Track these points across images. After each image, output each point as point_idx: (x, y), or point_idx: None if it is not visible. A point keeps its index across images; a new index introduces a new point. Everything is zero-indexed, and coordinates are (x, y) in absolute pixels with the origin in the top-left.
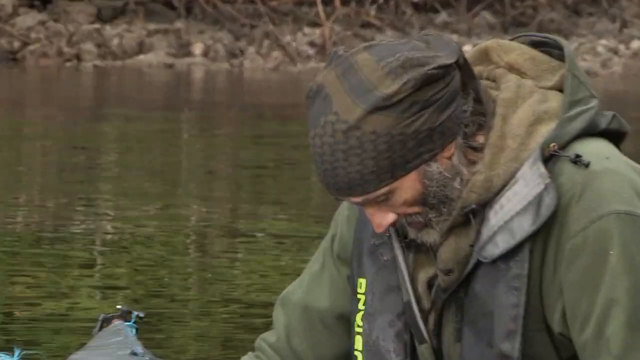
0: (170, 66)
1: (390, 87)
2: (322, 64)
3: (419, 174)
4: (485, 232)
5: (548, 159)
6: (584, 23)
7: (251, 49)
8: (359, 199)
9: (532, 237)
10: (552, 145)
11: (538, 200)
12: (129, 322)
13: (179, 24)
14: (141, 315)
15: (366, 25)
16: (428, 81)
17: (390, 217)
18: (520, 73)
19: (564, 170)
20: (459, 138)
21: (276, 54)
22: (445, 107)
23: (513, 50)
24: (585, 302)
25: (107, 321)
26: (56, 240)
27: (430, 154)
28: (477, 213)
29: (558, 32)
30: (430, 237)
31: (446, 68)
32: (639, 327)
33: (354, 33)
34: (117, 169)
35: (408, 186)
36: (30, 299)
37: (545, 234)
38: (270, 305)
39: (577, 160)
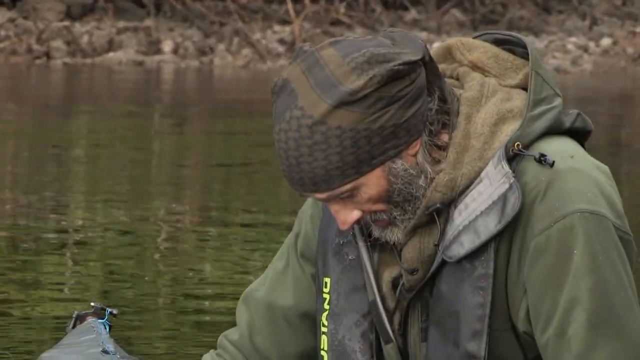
0: (140, 64)
1: (355, 83)
2: None
3: (384, 170)
4: (450, 232)
5: (512, 158)
6: (553, 21)
7: (221, 47)
8: (323, 195)
9: (497, 237)
10: (516, 144)
11: (503, 199)
12: (102, 319)
13: (149, 22)
14: (115, 312)
15: (336, 22)
16: (394, 77)
17: (355, 215)
18: (484, 71)
19: (528, 169)
20: (424, 135)
21: (246, 51)
22: (411, 104)
23: (476, 48)
24: (548, 301)
25: (80, 318)
26: (27, 237)
27: (395, 150)
28: (441, 212)
29: (528, 29)
30: (394, 235)
31: (412, 65)
32: (601, 327)
33: (324, 30)
34: (87, 167)
35: (373, 182)
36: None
37: (510, 233)
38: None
39: (541, 159)
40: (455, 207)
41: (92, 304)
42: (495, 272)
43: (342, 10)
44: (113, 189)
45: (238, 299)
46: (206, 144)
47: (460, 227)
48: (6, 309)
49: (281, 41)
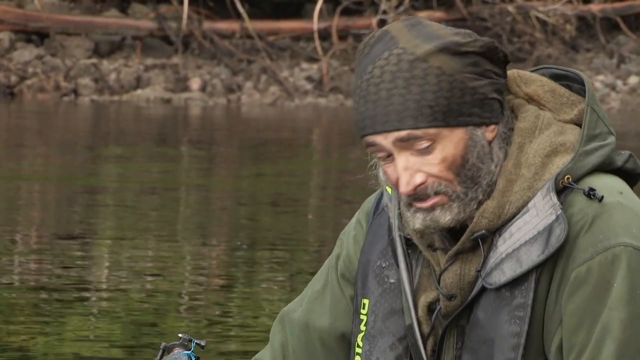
0: (167, 101)
1: (460, 39)
2: (320, 99)
3: (466, 133)
4: (493, 259)
5: (561, 190)
6: (581, 59)
7: (248, 84)
8: (403, 134)
9: (539, 267)
10: (566, 177)
11: (548, 230)
12: (189, 351)
13: (176, 59)
14: (202, 343)
15: None
16: (490, 53)
17: (419, 178)
18: (540, 105)
19: (576, 202)
20: (501, 125)
21: (273, 89)
22: (497, 89)
23: (533, 81)
24: (582, 333)
25: (167, 350)
26: (56, 279)
27: (479, 119)
28: (485, 239)
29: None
30: (444, 218)
31: (505, 56)
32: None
33: (352, 68)
34: (116, 208)
35: (453, 141)
36: (26, 336)
37: (552, 265)
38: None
39: (590, 193)
40: (500, 235)
41: (179, 335)
42: (534, 303)
43: None
44: (141, 229)
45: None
46: (234, 184)
47: (503, 255)
48: (29, 351)
49: (309, 79)
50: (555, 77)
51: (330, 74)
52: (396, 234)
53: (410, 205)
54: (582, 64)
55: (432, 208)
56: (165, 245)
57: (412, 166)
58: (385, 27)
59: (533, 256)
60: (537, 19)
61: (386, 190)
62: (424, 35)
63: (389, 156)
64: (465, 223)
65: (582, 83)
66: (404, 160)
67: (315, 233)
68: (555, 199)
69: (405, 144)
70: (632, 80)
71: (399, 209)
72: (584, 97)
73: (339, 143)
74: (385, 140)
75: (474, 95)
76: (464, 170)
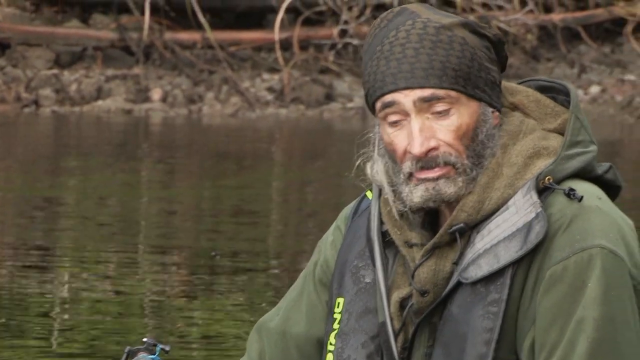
0: (128, 112)
1: (479, 22)
2: (281, 110)
3: (480, 108)
4: (470, 255)
5: (542, 191)
6: (542, 68)
7: (210, 95)
8: (427, 92)
9: (515, 264)
10: (547, 178)
11: (527, 227)
12: (154, 355)
13: (138, 70)
14: (167, 348)
15: (325, 70)
16: (500, 46)
17: (433, 142)
18: (524, 113)
19: (555, 202)
20: (501, 114)
21: (235, 99)
22: (500, 81)
23: (519, 92)
24: (555, 330)
25: (132, 354)
26: (13, 294)
27: (490, 99)
28: (463, 234)
29: (517, 77)
30: (449, 189)
31: (506, 58)
32: (601, 358)
33: (313, 78)
34: (76, 219)
35: (469, 111)
36: None
37: (528, 262)
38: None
39: (570, 193)
40: (478, 232)
41: (144, 339)
42: (508, 299)
43: (331, 58)
44: (102, 241)
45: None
46: (196, 194)
47: (481, 251)
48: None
49: (270, 89)
50: (542, 89)
51: (291, 84)
52: (374, 233)
53: (410, 178)
54: (544, 74)
55: (437, 178)
56: (127, 255)
57: (428, 129)
58: (402, 5)
59: (511, 252)
60: (499, 28)
61: (366, 195)
62: (442, 13)
63: (400, 121)
64: (441, 219)
65: (568, 94)
66: (420, 122)
67: (276, 243)
68: (535, 197)
69: (425, 105)
70: (594, 89)
71: (379, 208)
72: (569, 108)
73: (300, 154)
74: (405, 98)
75: (488, 75)
76: (473, 144)
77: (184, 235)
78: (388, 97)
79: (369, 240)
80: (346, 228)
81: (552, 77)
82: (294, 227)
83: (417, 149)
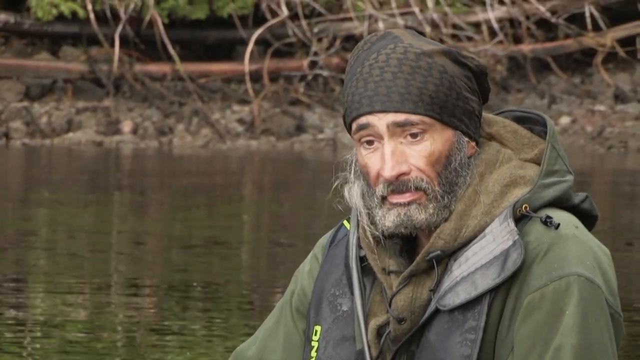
0: (99, 144)
1: (461, 51)
2: (252, 142)
3: (455, 136)
4: (447, 283)
5: (519, 219)
6: (512, 99)
7: (180, 127)
8: (401, 117)
9: (493, 291)
10: (524, 206)
11: (505, 255)
12: None
13: (108, 102)
14: None
15: (295, 102)
16: (481, 77)
17: (404, 167)
18: (502, 143)
19: (532, 230)
20: (478, 147)
21: (205, 131)
22: (479, 112)
23: (496, 123)
24: (533, 358)
25: None
26: None
27: (466, 128)
28: (440, 262)
29: (487, 108)
30: (419, 216)
31: (488, 90)
32: None
33: (283, 110)
34: (47, 253)
35: (443, 138)
36: None
37: (505, 290)
38: None
39: (547, 221)
40: (455, 259)
41: None
42: (486, 326)
43: (302, 89)
44: (71, 275)
45: None
46: (166, 226)
47: (458, 279)
48: None
49: (240, 121)
50: (518, 120)
51: (261, 115)
52: (352, 260)
53: (384, 201)
54: (514, 105)
55: (408, 204)
56: (98, 288)
57: (400, 154)
58: (388, 30)
59: (488, 279)
60: None
61: (343, 224)
62: (426, 40)
63: (375, 144)
64: (419, 246)
65: (544, 125)
66: (392, 146)
67: (249, 275)
68: (512, 225)
69: (399, 129)
70: (564, 120)
71: (358, 235)
72: (545, 139)
73: (271, 185)
74: (380, 121)
75: (466, 105)
76: (445, 171)
77: (156, 267)
78: (363, 119)
79: (347, 267)
80: (323, 257)
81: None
82: (267, 259)
83: (388, 172)
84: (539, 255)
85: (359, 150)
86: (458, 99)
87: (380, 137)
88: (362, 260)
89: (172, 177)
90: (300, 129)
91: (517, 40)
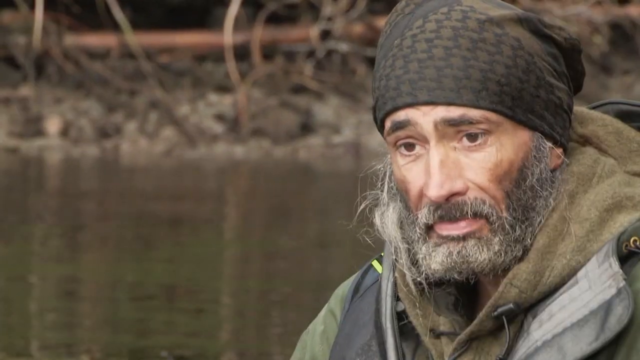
0: (13, 151)
1: (545, 20)
2: (237, 147)
3: (532, 140)
4: (523, 349)
5: (626, 257)
6: (616, 84)
7: (131, 126)
8: (456, 113)
9: (589, 359)
10: (632, 239)
11: (605, 308)
12: None
13: (26, 90)
14: None
15: (300, 89)
16: (573, 55)
17: (458, 185)
18: (600, 149)
19: None
20: (566, 155)
21: (168, 132)
22: (569, 106)
23: (592, 120)
24: None
25: None
26: None
27: (550, 129)
28: (513, 319)
29: (580, 98)
30: (479, 255)
31: (583, 74)
32: None
33: (282, 102)
34: None
35: (514, 143)
36: None
37: (607, 357)
38: None
39: None
40: (535, 315)
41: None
42: None
43: (309, 71)
44: None
45: None
46: (110, 270)
47: (539, 343)
48: None
49: (219, 117)
50: (625, 116)
51: (250, 110)
52: (387, 318)
53: (429, 232)
54: (618, 92)
55: (464, 238)
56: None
57: (453, 165)
58: None
59: (582, 344)
60: None
61: (372, 266)
62: (494, 1)
63: (415, 148)
64: (482, 297)
65: None
66: (442, 153)
67: (230, 340)
68: (617, 266)
69: (451, 129)
70: None
71: (394, 281)
72: None
73: (263, 211)
74: (425, 117)
75: (550, 94)
76: (518, 190)
77: (95, 327)
78: (401, 114)
79: (379, 329)
80: (343, 313)
81: (628, 98)
82: (256, 319)
83: (434, 191)
84: None
85: (394, 158)
86: (539, 87)
87: (425, 141)
88: (399, 317)
89: (120, 200)
90: (307, 128)
91: None
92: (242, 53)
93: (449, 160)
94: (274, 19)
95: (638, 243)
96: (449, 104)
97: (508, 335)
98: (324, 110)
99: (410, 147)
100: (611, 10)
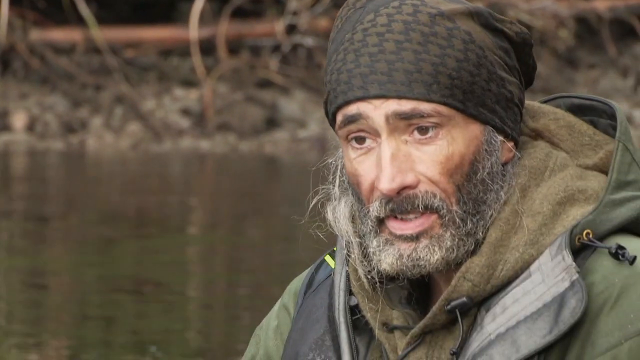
0: None
1: (496, 15)
2: (202, 142)
3: (483, 134)
4: (477, 342)
5: (578, 250)
6: (582, 78)
7: (97, 121)
8: (407, 106)
9: (543, 353)
10: (585, 232)
11: (559, 301)
12: None
13: None
14: None
15: (265, 84)
16: (524, 49)
17: (409, 178)
18: (552, 143)
19: (598, 266)
20: (518, 149)
21: (134, 127)
22: (520, 100)
23: (544, 114)
24: None
25: None
26: None
27: (501, 123)
28: (467, 312)
29: (545, 91)
30: (433, 254)
31: (534, 68)
32: None
33: (248, 96)
34: None
35: (465, 137)
36: None
37: (561, 351)
38: None
39: (619, 254)
40: (488, 309)
41: None
42: None
43: (275, 66)
44: None
45: None
46: (75, 269)
47: (493, 336)
48: None
49: (185, 112)
50: (577, 109)
51: (216, 104)
52: (340, 312)
53: (380, 226)
54: (584, 86)
55: (417, 237)
56: None
57: (404, 158)
58: None
59: (536, 337)
60: (519, 22)
61: (325, 261)
62: None
63: (366, 141)
64: (435, 291)
65: (613, 117)
66: (393, 146)
67: (196, 333)
68: (570, 259)
69: (402, 122)
70: None
71: (347, 276)
72: (614, 137)
73: (229, 206)
74: (376, 111)
75: (501, 88)
76: (468, 184)
77: (62, 322)
78: (352, 108)
79: (332, 323)
80: (296, 308)
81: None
82: (221, 311)
83: (386, 184)
84: (607, 302)
85: (345, 151)
86: (490, 81)
87: (376, 134)
88: (353, 311)
89: (86, 195)
90: (272, 123)
91: None
92: (207, 48)
93: (400, 154)
94: (240, 14)
95: (591, 236)
96: (400, 97)
97: (461, 329)
98: (290, 105)
99: (361, 140)
100: (577, 4)
